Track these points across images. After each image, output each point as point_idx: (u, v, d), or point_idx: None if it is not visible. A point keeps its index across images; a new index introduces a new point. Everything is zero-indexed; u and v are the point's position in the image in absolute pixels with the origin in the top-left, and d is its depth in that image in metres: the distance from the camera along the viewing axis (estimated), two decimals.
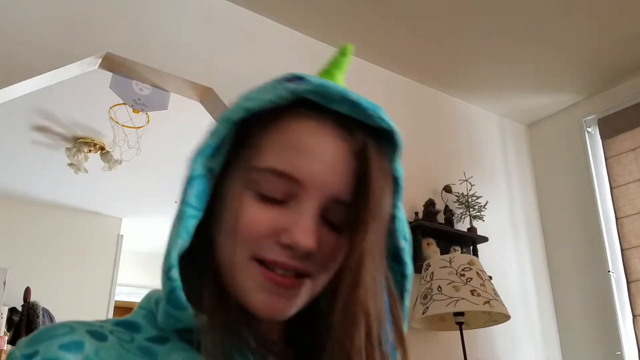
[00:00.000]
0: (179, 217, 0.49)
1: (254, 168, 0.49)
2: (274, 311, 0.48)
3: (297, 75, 0.51)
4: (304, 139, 0.48)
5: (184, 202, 0.49)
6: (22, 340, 0.46)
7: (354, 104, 0.49)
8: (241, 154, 0.50)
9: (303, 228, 0.47)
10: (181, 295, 0.47)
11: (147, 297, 0.54)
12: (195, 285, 0.50)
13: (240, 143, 0.51)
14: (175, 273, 0.47)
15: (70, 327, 0.46)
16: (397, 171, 0.52)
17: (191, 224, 0.49)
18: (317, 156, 0.48)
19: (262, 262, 0.48)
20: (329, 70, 0.56)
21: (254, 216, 0.48)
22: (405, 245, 0.55)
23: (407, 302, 0.56)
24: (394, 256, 0.55)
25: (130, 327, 0.51)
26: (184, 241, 0.49)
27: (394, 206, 0.53)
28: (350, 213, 0.48)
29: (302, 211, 0.47)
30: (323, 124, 0.49)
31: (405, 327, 0.53)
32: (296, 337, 0.55)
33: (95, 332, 0.47)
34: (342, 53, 0.57)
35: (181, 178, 0.51)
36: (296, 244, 0.46)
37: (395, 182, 0.52)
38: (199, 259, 0.51)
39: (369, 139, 0.50)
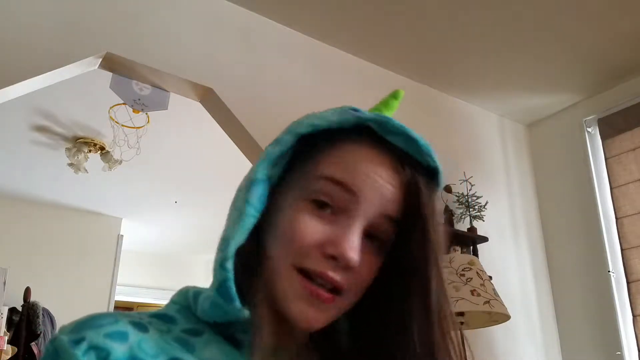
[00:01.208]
0: (240, 215, 0.52)
1: (313, 176, 0.52)
2: (308, 321, 0.51)
3: (355, 109, 0.56)
4: (362, 158, 0.52)
5: (246, 202, 0.52)
6: (67, 326, 0.48)
7: (411, 140, 0.53)
8: (301, 166, 0.54)
9: (350, 242, 0.50)
10: (232, 287, 0.50)
11: (182, 293, 0.56)
12: (243, 283, 0.52)
13: (302, 155, 0.54)
14: (230, 264, 0.50)
15: (115, 317, 0.48)
16: (435, 203, 0.56)
17: (250, 222, 0.52)
18: (372, 176, 0.52)
19: (303, 272, 0.51)
20: (379, 108, 0.62)
21: (307, 225, 0.51)
22: None
23: None
24: None
25: (167, 319, 0.52)
26: (241, 238, 0.51)
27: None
28: (408, 242, 0.52)
29: (351, 226, 0.51)
30: (380, 151, 0.53)
31: None
32: (318, 344, 0.57)
33: (137, 323, 0.49)
34: (394, 96, 0.64)
35: (244, 178, 0.55)
36: (342, 255, 0.49)
37: None
38: (249, 259, 0.53)
39: (417, 170, 0.54)
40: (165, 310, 0.54)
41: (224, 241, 0.51)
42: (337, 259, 0.50)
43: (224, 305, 0.50)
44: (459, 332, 0.55)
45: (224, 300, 0.50)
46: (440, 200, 0.57)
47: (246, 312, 0.51)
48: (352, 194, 0.51)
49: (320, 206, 0.52)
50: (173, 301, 0.55)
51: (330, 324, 0.54)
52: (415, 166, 0.54)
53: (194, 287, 0.55)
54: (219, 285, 0.50)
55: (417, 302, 0.52)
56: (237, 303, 0.50)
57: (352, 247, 0.50)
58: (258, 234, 0.54)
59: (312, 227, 0.51)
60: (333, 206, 0.51)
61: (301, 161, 0.54)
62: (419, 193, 0.53)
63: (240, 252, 0.52)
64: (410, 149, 0.54)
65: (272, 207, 0.54)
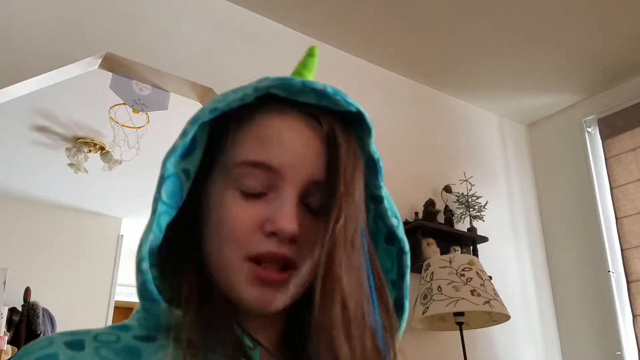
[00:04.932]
0: (152, 213, 0.50)
1: (230, 164, 0.51)
2: (264, 303, 0.49)
3: (266, 78, 0.53)
4: (274, 130, 0.50)
5: (156, 199, 0.50)
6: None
7: (318, 93, 0.50)
8: (217, 154, 0.52)
9: (284, 214, 0.48)
10: (152, 288, 0.48)
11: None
12: (177, 283, 0.51)
13: (215, 144, 0.53)
14: (145, 265, 0.48)
15: (50, 340, 0.47)
16: (374, 153, 0.54)
17: (164, 220, 0.51)
18: (288, 145, 0.50)
19: (251, 259, 0.49)
20: (298, 70, 0.59)
21: (238, 214, 0.49)
22: (397, 222, 0.56)
23: (408, 278, 0.57)
24: (389, 237, 0.57)
25: (122, 328, 0.51)
26: (155, 236, 0.50)
27: (377, 186, 0.55)
28: (324, 195, 0.50)
29: (282, 199, 0.49)
30: (290, 115, 0.51)
31: (406, 305, 0.56)
32: (292, 341, 0.55)
33: (74, 341, 0.48)
34: (310, 54, 0.61)
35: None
36: (280, 230, 0.48)
37: (374, 162, 0.54)
38: (179, 257, 0.52)
39: (338, 124, 0.51)
40: (128, 320, 0.53)
41: (139, 243, 0.50)
42: (277, 234, 0.48)
43: (149, 307, 0.49)
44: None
45: (148, 302, 0.49)
46: (374, 147, 0.53)
47: (177, 312, 0.49)
48: (274, 171, 0.49)
49: (249, 192, 0.50)
50: (136, 310, 0.54)
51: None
52: (333, 117, 0.52)
53: None
54: (140, 288, 0.48)
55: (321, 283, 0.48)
56: (162, 304, 0.48)
57: (288, 218, 0.48)
58: (186, 229, 0.53)
59: (244, 213, 0.49)
60: (260, 188, 0.50)
61: (215, 149, 0.52)
62: (337, 147, 0.50)
63: (168, 251, 0.51)
64: (322, 101, 0.51)
65: (197, 201, 0.53)
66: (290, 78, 0.51)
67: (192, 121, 0.52)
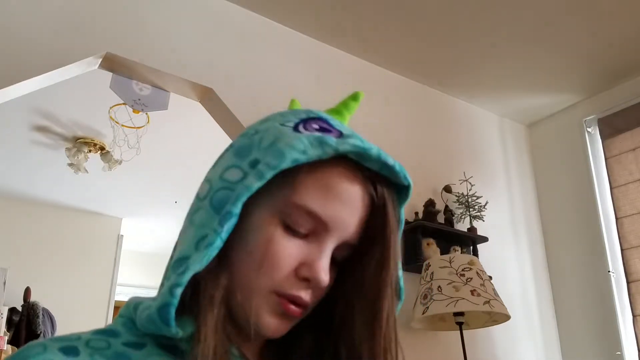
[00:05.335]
0: (207, 245, 0.50)
1: (288, 201, 0.53)
2: (277, 332, 0.54)
3: (319, 116, 0.57)
4: (340, 191, 0.54)
5: (216, 232, 0.51)
6: None
7: (386, 166, 0.55)
8: (276, 187, 0.53)
9: (322, 266, 0.53)
10: (172, 313, 0.49)
11: (127, 305, 0.56)
12: (192, 295, 0.51)
13: (276, 179, 0.53)
14: (179, 292, 0.49)
15: (44, 346, 0.48)
16: (402, 216, 0.59)
17: (214, 253, 0.51)
18: (346, 205, 0.54)
19: (280, 295, 0.52)
20: (340, 110, 0.64)
21: (283, 251, 0.52)
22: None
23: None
24: None
25: (110, 334, 0.52)
26: (201, 267, 0.50)
27: None
28: (367, 257, 0.56)
29: (322, 250, 0.53)
30: (357, 179, 0.55)
31: (402, 291, 0.62)
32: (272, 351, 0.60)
33: (69, 347, 0.48)
34: (354, 98, 0.65)
35: (210, 191, 0.55)
36: (316, 280, 0.52)
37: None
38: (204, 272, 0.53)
39: (389, 191, 0.57)
40: (112, 325, 0.54)
41: (181, 263, 0.51)
42: (309, 281, 0.52)
43: (160, 325, 0.50)
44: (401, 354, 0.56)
45: (161, 322, 0.49)
46: (402, 211, 0.59)
47: (181, 331, 0.50)
48: (324, 225, 0.53)
49: (293, 229, 0.53)
50: (119, 314, 0.55)
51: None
52: (387, 186, 0.56)
53: (137, 299, 0.55)
54: (161, 306, 0.49)
55: (367, 322, 0.55)
56: (173, 329, 0.49)
57: (325, 270, 0.53)
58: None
59: (288, 251, 0.52)
60: (304, 231, 0.53)
61: (278, 183, 0.53)
62: (387, 216, 0.55)
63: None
64: (384, 171, 0.56)
65: (240, 220, 0.53)
66: (369, 148, 0.54)
67: (273, 167, 0.52)
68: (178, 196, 4.14)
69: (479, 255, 2.48)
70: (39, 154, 3.54)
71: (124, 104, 2.55)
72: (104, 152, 3.41)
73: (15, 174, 3.87)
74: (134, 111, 2.73)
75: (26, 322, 3.68)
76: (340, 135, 0.55)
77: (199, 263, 0.50)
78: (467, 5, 2.31)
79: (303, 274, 0.52)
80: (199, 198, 0.56)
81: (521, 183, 3.05)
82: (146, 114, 2.91)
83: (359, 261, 0.57)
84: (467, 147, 2.89)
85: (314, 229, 0.53)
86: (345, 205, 0.53)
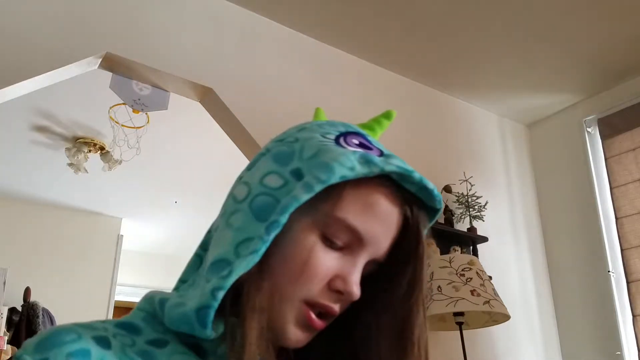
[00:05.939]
0: (253, 251, 0.50)
1: (329, 214, 0.54)
2: (298, 343, 0.54)
3: (357, 132, 0.59)
4: (380, 206, 0.55)
5: (262, 240, 0.51)
6: (30, 345, 0.46)
7: (425, 189, 0.57)
8: (319, 200, 0.53)
9: (355, 280, 0.54)
10: (212, 316, 0.49)
11: (147, 299, 0.55)
12: (233, 298, 0.51)
13: (321, 191, 0.54)
14: (221, 295, 0.49)
15: (78, 333, 0.47)
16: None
17: (258, 260, 0.51)
18: (384, 223, 0.55)
19: (308, 303, 0.53)
20: (372, 126, 0.66)
21: (322, 261, 0.53)
22: None
23: None
24: None
25: (132, 329, 0.52)
26: (245, 272, 0.50)
27: None
28: (398, 276, 0.58)
29: (355, 265, 0.55)
30: (396, 197, 0.56)
31: None
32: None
33: (100, 337, 0.48)
34: (386, 116, 0.67)
35: (259, 194, 0.55)
36: (349, 293, 0.54)
37: None
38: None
39: (422, 214, 0.59)
40: (131, 318, 0.53)
41: (223, 265, 0.51)
42: (342, 293, 0.54)
43: (195, 326, 0.50)
44: None
45: (198, 323, 0.49)
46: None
47: (214, 333, 0.50)
48: (361, 240, 0.54)
49: (330, 241, 0.54)
50: (139, 308, 0.55)
51: None
52: (421, 208, 0.59)
53: (160, 293, 0.55)
54: (201, 307, 0.49)
55: (395, 339, 0.58)
56: (208, 330, 0.49)
57: (357, 283, 0.54)
58: None
59: (327, 264, 0.53)
60: (341, 244, 0.55)
61: (319, 197, 0.53)
62: (419, 238, 0.58)
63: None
64: (422, 194, 0.58)
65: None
66: (412, 171, 0.56)
67: (321, 182, 0.52)
68: (178, 196, 4.14)
69: (479, 255, 2.48)
70: (38, 153, 3.54)
71: (123, 104, 2.55)
72: (103, 152, 3.41)
73: (15, 174, 3.87)
74: (133, 111, 2.73)
75: (26, 322, 3.68)
76: (381, 154, 0.56)
77: (243, 268, 0.50)
78: (467, 6, 2.31)
79: (337, 287, 0.53)
80: (236, 200, 0.55)
81: (521, 183, 3.05)
82: (146, 113, 2.91)
83: (387, 280, 0.58)
84: (467, 147, 2.89)
85: (350, 243, 0.54)
86: (383, 224, 0.55)
